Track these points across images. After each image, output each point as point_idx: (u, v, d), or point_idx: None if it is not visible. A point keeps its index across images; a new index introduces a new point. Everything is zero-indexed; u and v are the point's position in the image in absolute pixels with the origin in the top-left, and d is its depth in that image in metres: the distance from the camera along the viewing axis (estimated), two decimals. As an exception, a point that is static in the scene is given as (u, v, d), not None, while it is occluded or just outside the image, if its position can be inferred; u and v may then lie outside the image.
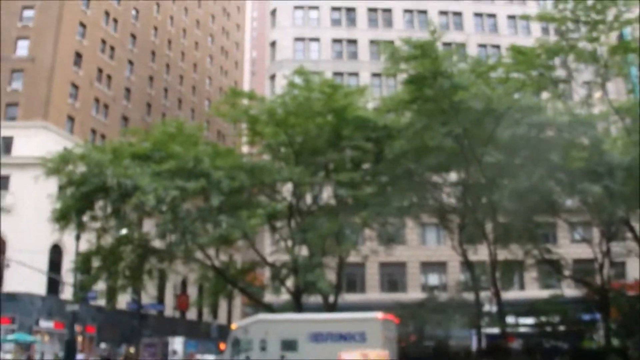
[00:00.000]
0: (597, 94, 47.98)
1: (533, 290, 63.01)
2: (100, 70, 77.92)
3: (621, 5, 40.38)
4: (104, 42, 79.26)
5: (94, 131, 75.34)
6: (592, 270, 49.10)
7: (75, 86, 72.68)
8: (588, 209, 43.55)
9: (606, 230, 43.56)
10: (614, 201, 37.34)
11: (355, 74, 76.86)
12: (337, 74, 74.17)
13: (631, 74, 50.69)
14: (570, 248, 60.93)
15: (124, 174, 38.11)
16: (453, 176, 47.52)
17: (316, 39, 79.63)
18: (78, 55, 73.75)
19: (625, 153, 39.05)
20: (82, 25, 75.08)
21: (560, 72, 43.55)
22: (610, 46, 41.18)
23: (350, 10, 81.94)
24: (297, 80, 44.65)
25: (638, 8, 41.05)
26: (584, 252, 52.68)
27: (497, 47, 78.22)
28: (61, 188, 41.32)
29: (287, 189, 46.16)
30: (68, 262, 53.33)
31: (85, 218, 42.67)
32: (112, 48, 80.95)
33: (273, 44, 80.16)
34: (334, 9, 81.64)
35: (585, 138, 40.81)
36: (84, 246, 47.69)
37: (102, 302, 55.87)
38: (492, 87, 40.32)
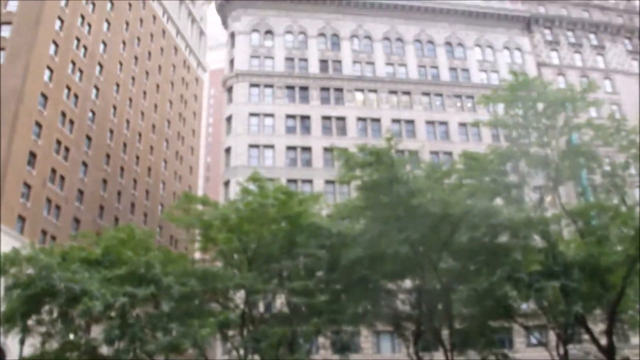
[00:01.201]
0: (549, 198, 48.88)
1: (491, 395, 62.37)
2: (53, 171, 77.02)
3: (570, 110, 41.83)
4: (59, 142, 78.72)
5: (44, 232, 73.83)
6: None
7: (27, 186, 71.56)
8: (544, 312, 43.49)
9: (562, 332, 43.46)
10: (570, 299, 37.41)
11: (309, 181, 77.48)
12: (291, 180, 74.88)
13: (582, 178, 51.91)
14: (526, 352, 60.90)
15: (71, 278, 37.29)
16: (407, 283, 47.36)
17: (271, 146, 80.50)
18: (32, 155, 72.96)
19: (579, 254, 39.53)
20: (38, 124, 74.72)
21: (512, 177, 44.38)
22: (560, 150, 42.33)
23: (305, 118, 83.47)
24: (251, 186, 44.79)
25: (586, 113, 42.51)
26: (540, 355, 52.12)
27: (450, 154, 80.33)
28: (7, 290, 40.05)
29: (239, 296, 45.51)
30: (10, 367, 51.37)
31: (30, 321, 41.30)
32: (67, 149, 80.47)
33: (228, 150, 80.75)
34: (289, 116, 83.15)
35: (540, 239, 41.30)
36: (28, 350, 45.86)
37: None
38: (447, 192, 40.86)
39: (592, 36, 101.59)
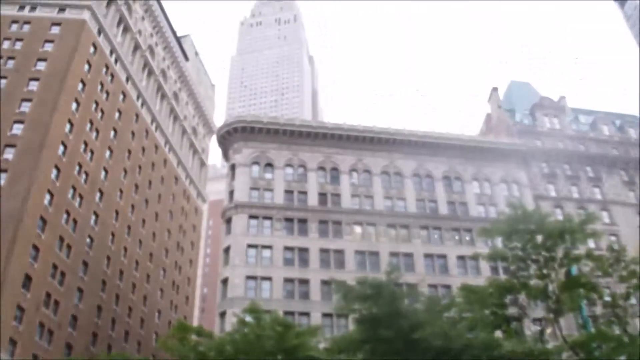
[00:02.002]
0: (549, 330, 48.51)
1: None
2: (48, 295, 76.21)
3: (569, 242, 42.14)
4: (55, 267, 78.36)
5: (35, 356, 72.26)
6: None
7: (21, 309, 70.65)
8: None
9: None
10: None
11: (307, 314, 76.51)
12: (288, 313, 73.68)
13: (582, 309, 51.64)
14: None
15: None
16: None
17: (268, 278, 79.79)
18: (28, 278, 72.44)
19: None
20: (35, 248, 74.66)
21: (512, 310, 44.15)
22: (560, 282, 42.32)
23: (303, 251, 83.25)
24: (248, 318, 44.44)
25: (585, 245, 42.80)
26: None
27: (448, 287, 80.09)
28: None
29: None
30: None
31: None
32: (63, 274, 79.95)
33: (225, 281, 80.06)
34: (287, 248, 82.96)
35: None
36: None
37: None
38: (448, 326, 40.62)
39: (588, 168, 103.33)
